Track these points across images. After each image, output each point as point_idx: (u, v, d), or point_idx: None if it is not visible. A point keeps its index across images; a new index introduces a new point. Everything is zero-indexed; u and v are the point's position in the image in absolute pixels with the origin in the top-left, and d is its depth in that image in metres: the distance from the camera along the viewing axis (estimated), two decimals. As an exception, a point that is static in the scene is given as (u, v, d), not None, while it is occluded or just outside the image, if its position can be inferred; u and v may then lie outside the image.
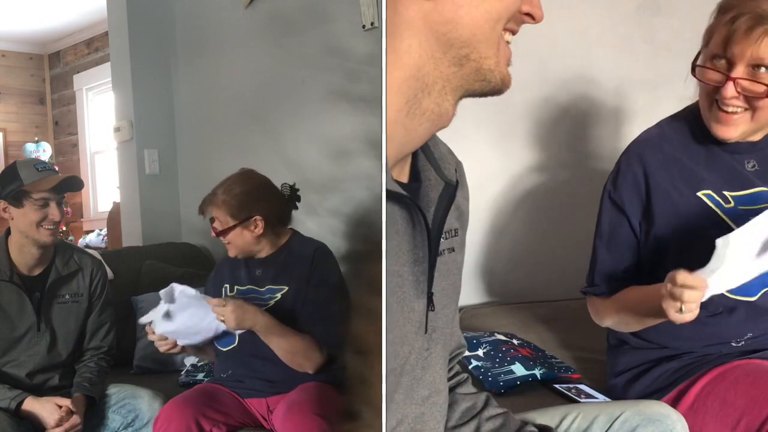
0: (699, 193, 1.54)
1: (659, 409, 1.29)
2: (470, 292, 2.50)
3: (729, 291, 1.43)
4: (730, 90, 1.43)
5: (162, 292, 1.84)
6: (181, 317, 1.84)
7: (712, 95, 1.49)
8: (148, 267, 2.91)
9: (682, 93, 1.61)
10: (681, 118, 1.64)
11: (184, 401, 1.82)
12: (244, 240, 1.93)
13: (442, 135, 0.94)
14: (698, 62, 1.51)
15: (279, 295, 1.94)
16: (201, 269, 2.93)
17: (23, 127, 6.44)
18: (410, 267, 0.91)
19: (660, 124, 1.66)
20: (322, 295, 1.90)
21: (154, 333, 1.86)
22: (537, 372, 1.92)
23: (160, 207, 3.33)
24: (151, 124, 3.33)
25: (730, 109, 1.47)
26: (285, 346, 1.85)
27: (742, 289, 1.47)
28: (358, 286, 1.70)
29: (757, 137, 1.56)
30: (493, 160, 2.50)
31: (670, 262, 1.47)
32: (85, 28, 6.05)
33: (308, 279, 1.92)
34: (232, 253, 1.97)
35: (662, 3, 2.51)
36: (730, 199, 1.54)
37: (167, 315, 1.83)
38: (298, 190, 2.03)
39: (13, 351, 2.00)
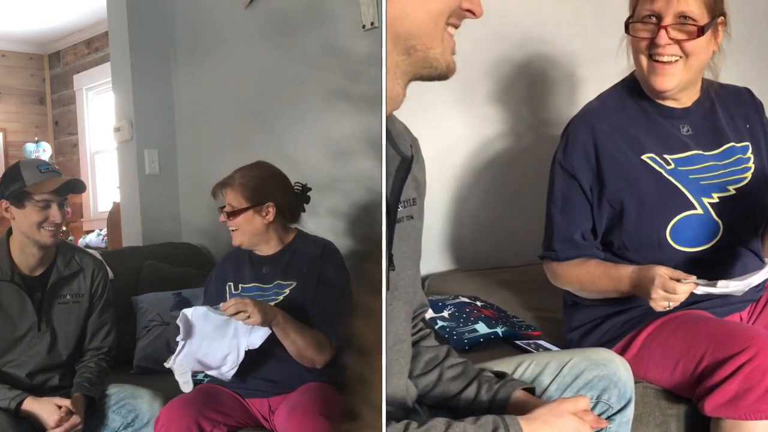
0: (643, 157, 1.70)
1: (604, 354, 1.39)
2: (436, 260, 2.57)
3: (677, 243, 1.68)
4: (663, 37, 1.60)
5: (179, 321, 1.74)
6: (205, 343, 1.78)
7: (647, 51, 1.65)
8: (148, 267, 2.91)
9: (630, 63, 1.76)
10: (619, 89, 1.79)
11: (184, 402, 1.82)
12: (253, 226, 1.93)
13: (410, 107, 1.05)
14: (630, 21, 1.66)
15: (288, 290, 1.94)
16: (201, 269, 2.93)
17: (23, 127, 6.44)
18: None
19: (600, 97, 1.81)
20: (331, 291, 1.91)
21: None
22: (499, 330, 2.05)
23: (160, 207, 3.33)
24: (151, 124, 3.32)
25: (665, 59, 1.63)
26: (300, 341, 1.84)
27: (688, 244, 1.69)
28: (358, 286, 1.70)
29: (688, 102, 1.73)
30: (456, 126, 2.56)
31: (629, 222, 1.69)
32: (85, 28, 6.05)
33: (318, 275, 1.93)
34: (236, 242, 1.95)
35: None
36: (670, 161, 1.70)
37: (189, 351, 1.77)
38: (310, 189, 2.05)
39: (13, 351, 2.00)
